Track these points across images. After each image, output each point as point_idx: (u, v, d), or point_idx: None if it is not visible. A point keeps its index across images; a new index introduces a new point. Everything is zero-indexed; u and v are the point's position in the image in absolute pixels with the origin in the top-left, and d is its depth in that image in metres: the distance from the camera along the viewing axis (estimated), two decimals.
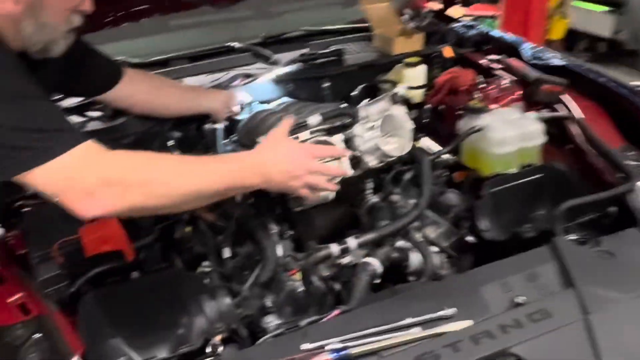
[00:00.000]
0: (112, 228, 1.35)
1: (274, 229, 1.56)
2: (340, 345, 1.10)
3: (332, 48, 2.31)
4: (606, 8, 5.56)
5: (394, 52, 2.26)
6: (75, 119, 1.81)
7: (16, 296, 1.25)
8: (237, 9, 2.32)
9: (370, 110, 1.54)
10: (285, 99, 2.00)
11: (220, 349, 1.19)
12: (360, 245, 1.51)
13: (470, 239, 1.65)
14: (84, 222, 1.34)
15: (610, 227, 1.51)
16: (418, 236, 1.60)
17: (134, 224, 1.45)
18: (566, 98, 1.92)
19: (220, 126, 1.79)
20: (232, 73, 2.10)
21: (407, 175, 1.69)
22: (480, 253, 1.63)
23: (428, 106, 2.16)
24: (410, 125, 1.58)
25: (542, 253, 1.37)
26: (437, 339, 1.12)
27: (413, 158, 1.66)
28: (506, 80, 2.04)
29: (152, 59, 2.17)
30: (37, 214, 1.43)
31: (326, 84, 2.18)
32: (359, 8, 2.47)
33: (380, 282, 1.50)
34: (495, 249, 1.54)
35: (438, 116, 2.14)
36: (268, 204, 1.58)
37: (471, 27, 2.49)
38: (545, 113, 1.89)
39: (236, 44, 2.27)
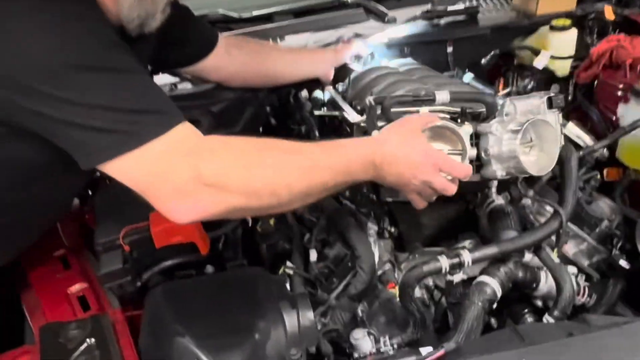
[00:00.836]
0: None
1: (373, 227, 1.30)
2: None
3: (461, 5, 1.94)
4: None
5: (538, 11, 1.84)
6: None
7: (78, 286, 1.12)
8: None
9: (518, 106, 1.18)
10: (408, 60, 1.71)
11: None
12: (477, 261, 1.22)
13: (623, 263, 1.28)
14: None
15: None
16: (552, 254, 1.26)
17: None
18: None
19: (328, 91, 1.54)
20: (339, 32, 1.82)
21: (546, 175, 1.33)
22: (635, 282, 1.27)
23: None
24: (560, 141, 1.21)
25: None
26: None
27: None
28: None
29: (254, 13, 1.94)
30: (110, 190, 1.28)
31: (450, 49, 1.84)
32: None
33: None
34: None
35: (589, 96, 1.72)
36: (366, 195, 1.32)
37: None
38: None
39: None
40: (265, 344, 1.09)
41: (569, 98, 1.86)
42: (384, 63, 1.74)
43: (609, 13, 1.81)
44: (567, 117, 1.85)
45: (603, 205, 1.38)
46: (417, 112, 1.19)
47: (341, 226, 1.24)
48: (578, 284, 1.32)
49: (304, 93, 1.67)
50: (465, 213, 1.42)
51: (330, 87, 1.65)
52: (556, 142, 1.18)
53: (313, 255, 1.24)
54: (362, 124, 1.24)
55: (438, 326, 1.30)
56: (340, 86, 1.65)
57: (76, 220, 1.33)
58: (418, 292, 1.28)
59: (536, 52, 1.76)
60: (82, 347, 0.99)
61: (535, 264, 1.29)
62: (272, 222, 1.28)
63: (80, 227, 1.32)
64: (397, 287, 1.22)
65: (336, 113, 1.36)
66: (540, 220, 1.32)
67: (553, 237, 1.24)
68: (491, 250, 1.22)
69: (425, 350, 0.99)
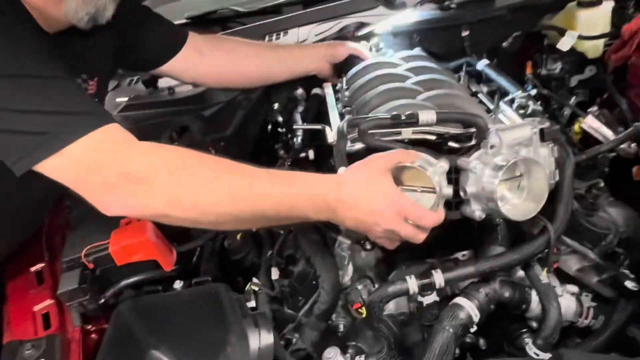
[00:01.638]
0: (143, 235, 1.16)
1: (345, 241, 1.22)
2: None
3: None
4: None
5: None
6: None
7: (44, 303, 1.15)
8: None
9: (506, 137, 1.04)
10: (415, 52, 1.58)
11: None
12: (451, 282, 1.11)
13: (629, 284, 1.11)
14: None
15: None
16: (542, 273, 1.12)
17: None
18: None
19: (325, 90, 1.47)
20: (343, 22, 1.71)
21: None
22: None
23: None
24: (548, 188, 1.05)
25: None
26: None
27: None
28: None
29: (261, 5, 1.89)
30: (81, 204, 1.30)
31: (466, 32, 1.67)
32: None
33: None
34: None
35: (620, 80, 1.50)
36: None
37: None
38: None
39: None
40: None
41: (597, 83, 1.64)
42: (389, 54, 1.62)
43: None
44: (602, 104, 1.65)
45: (615, 215, 1.20)
46: (399, 133, 1.09)
47: (305, 242, 1.18)
48: (581, 304, 1.17)
49: (299, 91, 1.60)
50: (462, 220, 1.30)
51: (328, 85, 1.56)
52: (545, 185, 1.02)
53: (274, 273, 1.18)
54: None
55: None
56: (339, 83, 1.56)
57: (59, 230, 1.36)
58: (384, 327, 1.19)
59: (562, 32, 1.56)
60: None
61: (526, 282, 1.16)
62: (238, 236, 1.24)
63: (63, 236, 1.35)
64: (363, 308, 1.14)
65: (318, 127, 1.28)
66: (534, 232, 1.17)
67: None
68: (467, 270, 1.10)
69: None
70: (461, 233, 1.27)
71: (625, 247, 1.16)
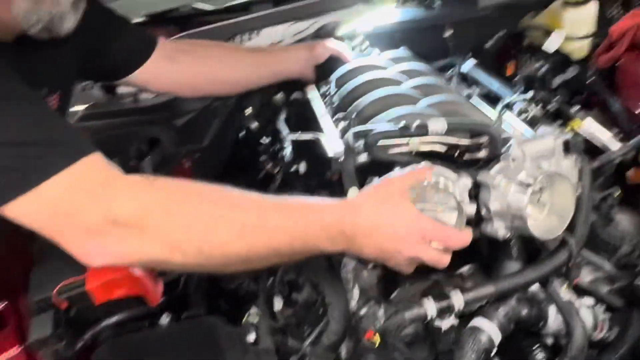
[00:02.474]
0: (126, 268, 1.02)
1: (350, 262, 1.12)
2: None
3: None
4: None
5: None
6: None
7: (10, 352, 0.98)
8: None
9: (529, 150, 0.97)
10: (401, 53, 1.50)
11: None
12: (471, 303, 1.03)
13: None
14: None
15: None
16: (562, 289, 1.07)
17: None
18: None
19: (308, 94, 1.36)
20: (320, 21, 1.61)
21: None
22: None
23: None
24: (574, 203, 0.99)
25: None
26: None
27: None
28: None
29: (228, 3, 1.74)
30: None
31: (449, 32, 1.60)
32: None
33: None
34: None
35: (609, 82, 1.48)
36: None
37: None
38: None
39: None
40: None
41: (588, 82, 1.62)
42: (374, 54, 1.54)
43: None
44: (586, 104, 1.63)
45: (625, 223, 1.17)
46: (407, 144, 1.01)
47: (309, 266, 1.07)
48: (596, 316, 1.13)
49: (279, 96, 1.49)
50: None
51: (312, 89, 1.46)
52: (571, 201, 0.97)
53: (278, 303, 1.07)
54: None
55: None
56: (324, 86, 1.46)
57: (20, 261, 1.19)
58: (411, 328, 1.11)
59: (548, 32, 1.52)
60: None
61: (542, 297, 1.10)
62: None
63: (25, 269, 1.18)
64: (376, 336, 1.05)
65: (311, 137, 1.17)
66: (547, 246, 1.12)
67: None
68: (487, 290, 1.03)
69: None
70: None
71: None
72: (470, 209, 0.96)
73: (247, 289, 1.13)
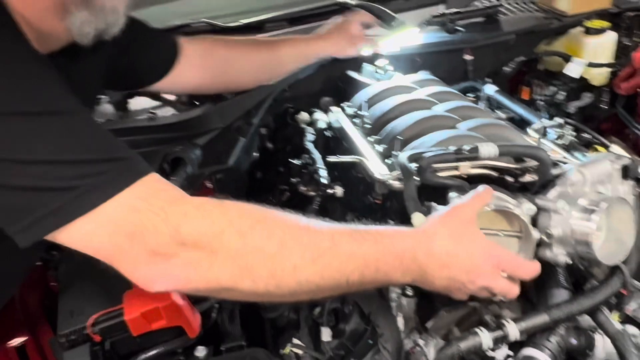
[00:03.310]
0: (168, 297, 0.95)
1: (394, 290, 1.08)
2: None
3: (478, 4, 1.71)
4: None
5: (570, 11, 1.61)
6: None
7: None
8: None
9: (589, 174, 0.96)
10: (425, 76, 1.48)
11: None
12: (525, 333, 1.00)
13: None
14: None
15: None
16: (613, 318, 1.05)
17: None
18: None
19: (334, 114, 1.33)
20: None
21: None
22: None
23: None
24: (634, 228, 0.98)
25: None
26: None
27: None
28: None
29: (242, 21, 1.70)
30: (74, 264, 1.05)
31: (470, 57, 1.60)
32: None
33: None
34: None
35: (631, 108, 1.50)
36: None
37: None
38: None
39: (350, 0, 1.73)
40: None
41: (605, 107, 1.65)
42: (398, 78, 1.52)
43: None
44: (599, 132, 1.65)
45: None
46: (457, 168, 0.99)
47: (357, 296, 1.02)
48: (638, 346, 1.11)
49: (304, 116, 1.45)
50: None
51: (338, 110, 1.42)
52: (631, 226, 0.95)
53: (326, 334, 1.02)
54: (392, 182, 1.04)
55: None
56: (348, 107, 1.43)
57: (37, 289, 1.10)
58: None
59: (566, 58, 1.54)
60: None
61: (588, 325, 1.08)
62: None
63: (43, 295, 1.09)
64: None
65: (355, 159, 1.13)
66: (593, 273, 1.11)
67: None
68: (541, 319, 1.00)
69: None
70: None
71: None
72: (536, 234, 0.93)
73: (287, 319, 1.07)
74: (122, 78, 1.22)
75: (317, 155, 1.28)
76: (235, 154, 1.36)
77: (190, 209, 0.77)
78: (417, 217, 0.90)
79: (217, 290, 0.79)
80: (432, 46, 1.58)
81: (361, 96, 1.41)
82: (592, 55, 1.51)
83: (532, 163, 1.06)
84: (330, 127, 1.37)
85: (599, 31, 1.50)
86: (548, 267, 1.09)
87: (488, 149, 1.02)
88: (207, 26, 1.69)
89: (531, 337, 1.05)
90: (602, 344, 1.06)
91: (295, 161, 1.30)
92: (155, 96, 1.55)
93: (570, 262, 0.97)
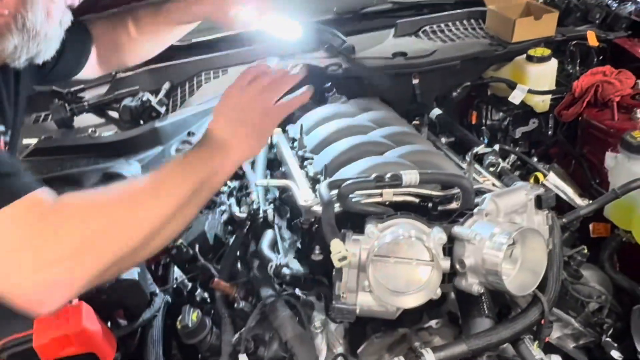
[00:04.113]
0: (78, 323, 0.94)
1: (319, 316, 1.08)
2: None
3: (426, 28, 1.73)
4: None
5: (514, 38, 1.63)
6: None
7: None
8: None
9: (503, 204, 0.97)
10: (369, 100, 1.49)
11: None
12: None
13: (615, 354, 1.07)
14: None
15: None
16: (533, 347, 1.05)
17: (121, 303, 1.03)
18: None
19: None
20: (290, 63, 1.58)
21: None
22: None
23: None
24: (546, 258, 0.99)
25: None
26: None
27: None
28: None
29: (194, 40, 1.71)
30: None
31: (417, 81, 1.62)
32: None
33: None
34: None
35: (571, 136, 1.52)
36: (311, 278, 1.10)
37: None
38: None
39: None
40: None
41: (549, 133, 1.67)
42: (342, 100, 1.53)
43: (592, 39, 1.62)
44: (547, 157, 1.67)
45: (591, 279, 1.17)
46: (380, 195, 1.01)
47: (277, 323, 1.02)
48: None
49: None
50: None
51: (279, 133, 1.43)
52: (544, 256, 0.96)
53: None
54: (316, 209, 1.05)
55: None
56: (291, 130, 1.43)
57: None
58: None
59: (512, 86, 1.56)
60: None
61: (512, 354, 1.08)
62: (194, 316, 1.05)
63: None
64: None
65: (283, 183, 1.14)
66: (517, 302, 1.11)
67: None
68: (459, 348, 1.00)
69: None
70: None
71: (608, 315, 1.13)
72: (445, 264, 0.94)
73: (209, 345, 1.06)
74: (46, 76, 1.22)
75: (252, 177, 1.28)
76: None
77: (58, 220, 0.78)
78: (335, 244, 0.90)
79: (105, 274, 0.80)
80: (379, 70, 1.59)
81: (303, 120, 1.42)
82: (535, 82, 1.53)
83: (458, 190, 1.07)
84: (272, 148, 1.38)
85: (541, 59, 1.52)
86: (471, 296, 1.10)
87: (410, 177, 1.02)
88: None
89: None
90: None
91: (232, 183, 1.30)
92: (99, 113, 1.56)
93: (482, 291, 0.97)
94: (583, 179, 1.46)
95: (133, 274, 1.02)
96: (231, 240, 1.28)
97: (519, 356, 1.05)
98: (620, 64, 1.52)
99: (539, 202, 1.00)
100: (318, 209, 1.07)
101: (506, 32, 1.63)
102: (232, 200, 1.27)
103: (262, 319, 1.05)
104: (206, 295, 1.24)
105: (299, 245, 1.19)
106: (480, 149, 1.32)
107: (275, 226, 1.24)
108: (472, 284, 0.97)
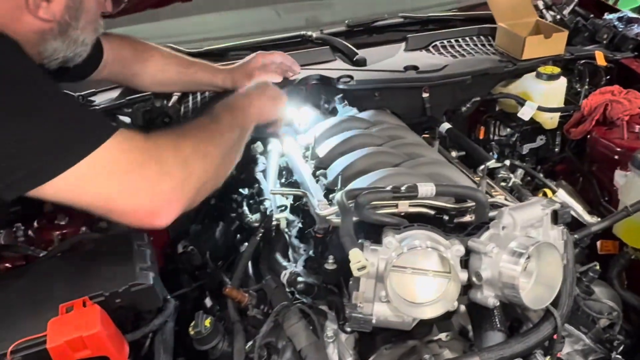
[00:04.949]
0: (94, 325, 0.93)
1: (331, 326, 1.08)
2: None
3: (436, 43, 1.75)
4: None
5: (524, 55, 1.65)
6: None
7: None
8: None
9: (520, 218, 0.97)
10: (380, 112, 1.50)
11: None
12: None
13: None
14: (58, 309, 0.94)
15: None
16: None
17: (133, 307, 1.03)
18: None
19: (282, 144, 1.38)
20: (303, 73, 1.60)
21: None
22: None
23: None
24: (561, 273, 0.99)
25: None
26: None
27: None
28: None
29: (205, 48, 1.71)
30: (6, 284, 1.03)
31: (426, 94, 1.63)
32: None
33: None
34: None
35: (580, 153, 1.54)
36: (324, 287, 1.10)
37: (631, 21, 1.81)
38: None
39: (312, 33, 1.76)
40: None
41: (556, 150, 1.69)
42: (354, 111, 1.54)
43: (601, 59, 1.64)
44: (553, 173, 1.68)
45: (601, 295, 1.18)
46: (395, 206, 1.02)
47: (290, 331, 1.02)
48: None
49: (258, 145, 1.46)
50: None
51: (290, 142, 1.43)
52: (559, 271, 0.97)
53: None
54: (332, 218, 1.05)
55: None
56: (302, 139, 1.44)
57: None
58: None
59: (521, 102, 1.58)
60: None
61: None
62: (207, 322, 1.05)
63: None
64: None
65: (298, 192, 1.15)
66: (529, 316, 1.12)
67: None
68: None
69: None
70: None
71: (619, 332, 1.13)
72: (463, 276, 0.94)
73: (221, 352, 1.06)
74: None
75: (265, 185, 1.28)
76: None
77: (151, 144, 0.94)
78: (354, 254, 0.90)
79: (200, 193, 0.98)
80: (390, 82, 1.60)
81: (315, 130, 1.43)
82: (544, 99, 1.55)
83: (472, 204, 1.08)
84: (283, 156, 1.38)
85: (551, 77, 1.54)
86: (484, 309, 1.10)
87: (426, 189, 1.03)
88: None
89: None
90: None
91: (245, 190, 1.30)
92: (110, 118, 1.55)
93: (498, 304, 0.98)
94: (590, 196, 1.47)
95: (149, 278, 1.01)
96: (242, 248, 1.28)
97: None
98: (627, 84, 1.54)
99: (555, 217, 1.01)
100: (333, 218, 1.07)
101: (516, 49, 1.65)
102: (244, 207, 1.27)
103: (275, 327, 1.05)
104: (212, 302, 1.24)
105: (311, 253, 1.20)
106: (492, 163, 1.33)
107: (287, 234, 1.24)
108: (488, 297, 0.97)
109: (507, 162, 1.35)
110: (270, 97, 1.25)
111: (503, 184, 1.27)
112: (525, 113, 1.55)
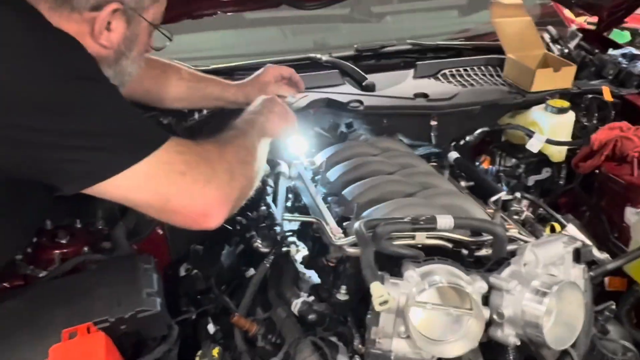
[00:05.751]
0: (98, 353, 0.88)
1: (342, 358, 1.04)
2: None
3: (445, 72, 1.75)
4: None
5: (533, 87, 1.65)
6: None
7: None
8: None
9: (542, 255, 0.95)
10: (391, 139, 1.49)
11: None
12: None
13: None
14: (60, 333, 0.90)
15: None
16: None
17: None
18: None
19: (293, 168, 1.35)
20: (311, 96, 1.58)
21: None
22: None
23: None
24: (583, 313, 0.97)
25: None
26: None
27: None
28: None
29: (212, 66, 1.69)
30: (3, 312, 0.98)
31: (434, 122, 1.62)
32: (486, 19, 1.89)
33: None
34: None
35: (587, 188, 1.53)
36: (335, 318, 1.07)
37: (635, 57, 1.83)
38: None
39: (322, 56, 1.74)
40: None
41: (561, 182, 1.68)
42: (363, 137, 1.52)
43: (607, 94, 1.65)
44: (555, 206, 1.68)
45: (613, 334, 1.16)
46: (413, 237, 1.01)
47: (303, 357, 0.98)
48: None
49: (266, 168, 1.42)
50: None
51: (298, 165, 1.41)
52: (581, 311, 0.95)
53: None
54: (347, 248, 1.03)
55: None
56: (311, 164, 1.41)
57: None
58: None
59: (529, 134, 1.57)
60: None
61: None
62: (215, 351, 1.01)
63: None
64: None
65: (312, 219, 1.12)
66: (544, 354, 1.09)
67: None
68: None
69: None
70: None
71: None
72: (486, 313, 0.92)
73: None
74: None
75: (275, 210, 1.25)
76: None
77: (199, 149, 1.00)
78: (375, 287, 0.87)
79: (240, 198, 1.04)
80: (400, 109, 1.59)
81: (324, 154, 1.41)
82: (552, 132, 1.55)
83: (488, 237, 1.06)
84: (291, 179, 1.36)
85: (560, 110, 1.54)
86: (498, 347, 1.07)
87: (445, 221, 1.01)
88: None
89: None
90: None
91: (253, 214, 1.26)
92: None
93: (519, 343, 0.95)
94: (597, 231, 1.46)
95: (156, 304, 0.97)
96: (247, 273, 1.24)
97: None
98: (631, 120, 1.55)
99: (578, 256, 0.99)
100: (349, 248, 1.04)
101: (525, 81, 1.65)
102: (252, 232, 1.23)
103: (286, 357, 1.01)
104: (215, 329, 1.20)
105: (318, 281, 1.16)
106: (504, 195, 1.32)
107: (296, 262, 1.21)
108: (509, 336, 0.95)
109: (518, 194, 1.33)
110: (278, 114, 1.27)
111: (516, 217, 1.25)
112: (534, 145, 1.55)
